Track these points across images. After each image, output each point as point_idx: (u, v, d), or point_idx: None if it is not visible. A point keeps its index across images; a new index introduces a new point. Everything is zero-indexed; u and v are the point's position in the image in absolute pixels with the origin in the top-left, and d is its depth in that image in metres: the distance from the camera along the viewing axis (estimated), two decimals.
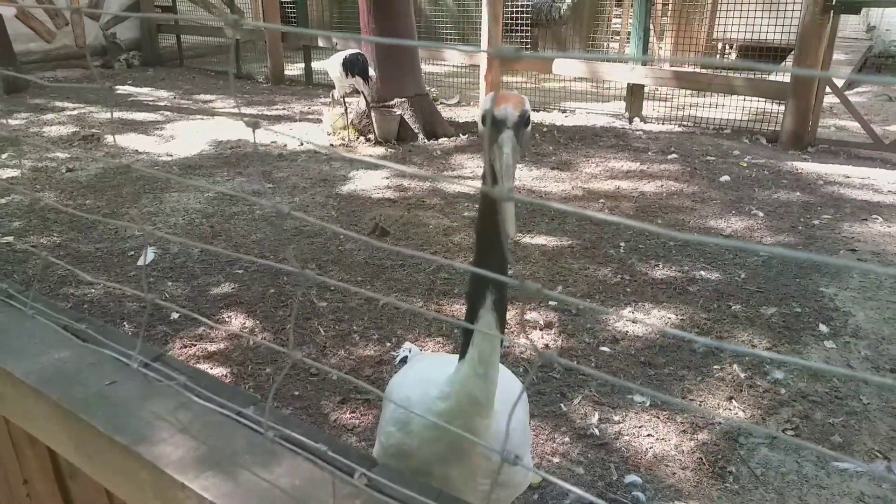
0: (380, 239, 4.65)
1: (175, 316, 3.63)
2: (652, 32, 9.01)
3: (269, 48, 10.29)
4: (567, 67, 8.16)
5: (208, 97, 9.54)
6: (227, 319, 3.63)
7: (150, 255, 4.37)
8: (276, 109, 8.70)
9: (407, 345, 3.36)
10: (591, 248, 4.48)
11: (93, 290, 3.90)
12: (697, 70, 7.60)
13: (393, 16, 7.02)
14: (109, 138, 7.14)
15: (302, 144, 6.99)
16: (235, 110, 8.78)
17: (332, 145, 7.01)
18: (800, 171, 6.11)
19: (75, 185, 5.72)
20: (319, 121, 7.77)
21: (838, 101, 7.00)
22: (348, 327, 3.56)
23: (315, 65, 10.36)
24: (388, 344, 3.40)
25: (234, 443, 0.84)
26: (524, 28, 9.23)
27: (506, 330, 1.41)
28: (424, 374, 1.52)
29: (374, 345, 3.41)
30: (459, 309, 3.72)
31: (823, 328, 3.53)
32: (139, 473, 0.85)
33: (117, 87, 10.14)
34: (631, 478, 2.56)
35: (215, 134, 7.36)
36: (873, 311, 3.70)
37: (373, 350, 3.35)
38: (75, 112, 8.42)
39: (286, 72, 10.66)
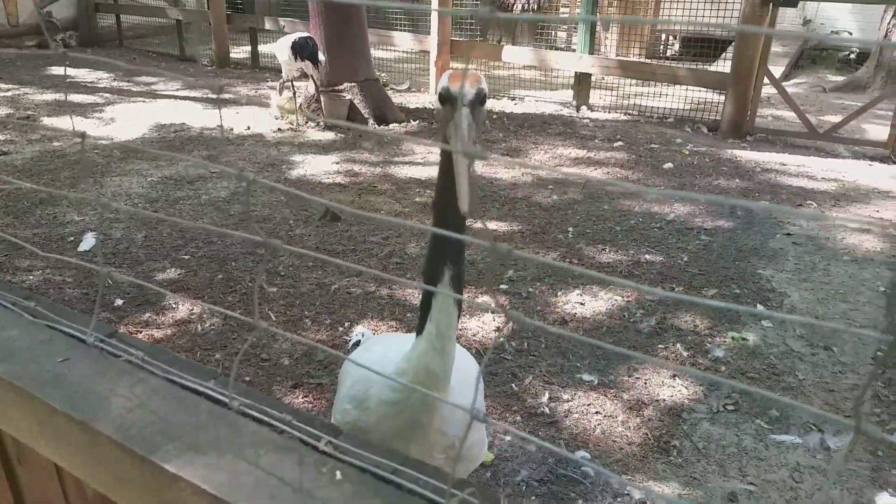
0: (331, 224, 4.62)
1: (119, 302, 3.54)
2: (598, 22, 9.14)
3: (214, 30, 10.03)
4: (516, 55, 8.21)
5: (150, 79, 9.25)
6: (173, 306, 3.56)
7: (90, 240, 4.24)
8: (222, 94, 8.49)
9: (359, 329, 3.35)
10: (541, 233, 4.55)
11: (31, 277, 3.76)
12: (643, 60, 7.76)
13: None
14: (46, 120, 6.87)
15: (249, 129, 6.86)
16: (179, 93, 8.55)
17: (280, 129, 6.90)
18: (738, 158, 6.31)
19: (10, 169, 5.49)
20: (267, 105, 7.63)
21: (776, 91, 7.26)
22: (300, 312, 3.54)
23: (263, 48, 10.16)
24: (341, 329, 3.39)
25: (197, 416, 0.84)
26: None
27: (463, 305, 1.43)
28: (382, 352, 1.53)
29: (326, 329, 3.39)
30: (412, 293, 3.73)
31: (761, 308, 3.68)
32: (99, 450, 0.83)
33: (49, 67, 9.75)
34: (580, 453, 2.63)
35: (158, 117, 7.16)
36: (807, 292, 3.87)
37: (325, 335, 3.34)
38: (9, 93, 8.06)
39: (231, 54, 10.42)
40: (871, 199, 5.40)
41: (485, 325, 3.46)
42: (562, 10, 12.74)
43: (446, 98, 1.28)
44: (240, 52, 10.89)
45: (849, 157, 6.51)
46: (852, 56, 10.44)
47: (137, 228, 4.42)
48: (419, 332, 1.43)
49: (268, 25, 9.82)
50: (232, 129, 6.82)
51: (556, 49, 10.31)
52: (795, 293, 3.86)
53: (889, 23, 9.07)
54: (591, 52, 7.82)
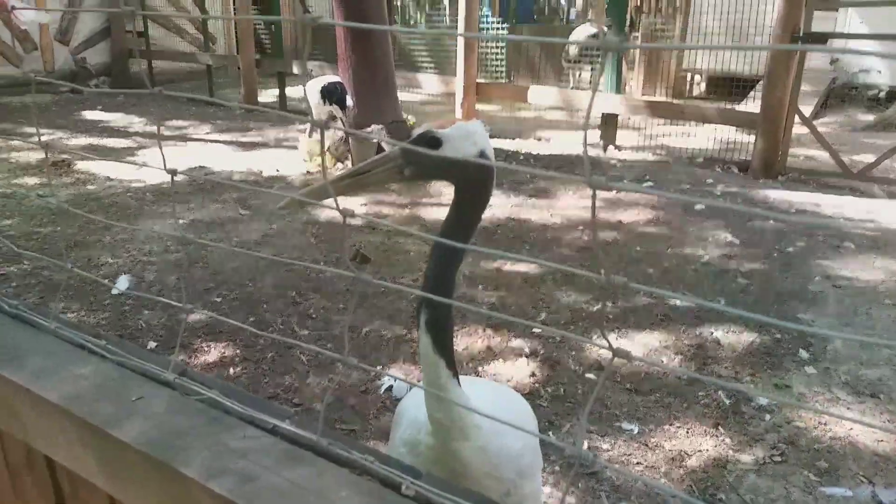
0: (360, 266, 4.62)
1: (153, 345, 3.53)
2: (623, 63, 9.20)
3: (244, 74, 10.25)
4: (542, 96, 8.26)
5: (181, 122, 9.45)
6: (206, 349, 3.55)
7: (125, 282, 4.27)
8: (251, 136, 8.65)
9: (392, 374, 3.32)
10: (573, 275, 4.49)
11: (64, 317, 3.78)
12: (670, 100, 7.76)
13: (371, 44, 7.05)
14: (80, 164, 7.01)
15: (278, 171, 6.94)
16: (208, 137, 8.71)
17: (308, 172, 6.97)
18: (772, 199, 6.23)
19: (45, 212, 5.59)
20: (295, 147, 7.74)
21: (806, 131, 7.20)
22: (330, 356, 3.49)
23: (290, 91, 10.36)
24: (372, 373, 3.35)
25: (275, 456, 0.82)
26: (498, 57, 9.34)
27: (452, 352, 1.37)
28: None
29: (357, 374, 3.35)
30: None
31: (804, 354, 3.57)
32: (181, 492, 0.81)
33: (83, 111, 10.01)
34: (604, 501, 2.53)
35: (188, 160, 7.27)
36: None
37: (356, 378, 3.30)
38: (44, 137, 8.27)
39: (260, 98, 10.63)
40: None
41: (519, 370, 3.39)
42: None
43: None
44: (268, 95, 11.11)
45: (884, 197, 6.40)
46: (882, 94, 10.36)
47: (170, 271, 4.45)
48: None
49: (295, 70, 10.02)
50: (261, 172, 6.91)
51: (581, 89, 10.38)
52: (838, 339, 3.74)
53: None
54: (618, 92, 7.85)
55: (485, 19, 9.68)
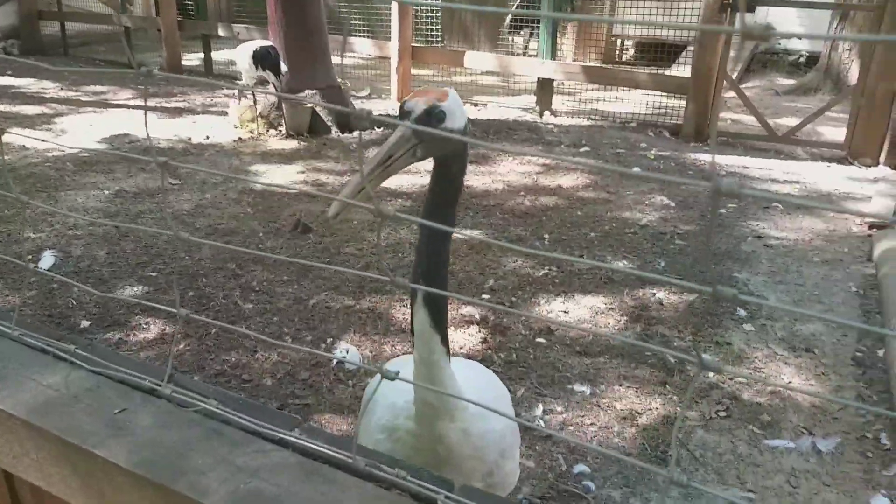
0: (302, 236, 4.50)
1: (86, 323, 3.35)
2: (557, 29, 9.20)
3: (165, 37, 9.73)
4: (479, 61, 8.19)
5: (99, 88, 8.92)
6: (144, 326, 3.39)
7: (49, 258, 4.02)
8: (176, 102, 8.25)
9: (343, 345, 3.26)
10: (517, 241, 4.51)
11: None
12: (602, 65, 7.83)
13: (303, 6, 6.80)
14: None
15: (208, 138, 6.66)
16: (130, 102, 8.26)
17: (240, 139, 6.71)
18: (702, 162, 6.40)
19: None
20: (224, 113, 7.43)
21: (732, 95, 7.40)
22: (278, 329, 3.41)
23: (216, 55, 9.91)
24: (323, 345, 3.28)
25: (288, 473, 0.74)
26: (434, 21, 9.18)
27: (446, 328, 1.35)
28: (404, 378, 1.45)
29: (308, 346, 3.28)
30: (392, 305, 3.64)
31: (741, 312, 3.70)
32: None
33: None
34: (579, 467, 2.58)
35: (110, 128, 6.88)
36: (784, 294, 3.92)
37: (306, 352, 3.22)
38: None
39: (184, 62, 10.14)
40: (832, 200, 5.53)
41: (471, 336, 3.39)
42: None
43: (401, 113, 1.28)
44: (192, 59, 10.61)
45: (807, 158, 6.67)
46: (801, 60, 10.75)
47: (99, 245, 4.22)
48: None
49: (221, 32, 9.59)
50: (190, 139, 6.61)
51: (514, 55, 10.35)
52: (772, 296, 3.90)
53: (835, 27, 9.37)
54: (553, 58, 7.86)
55: None
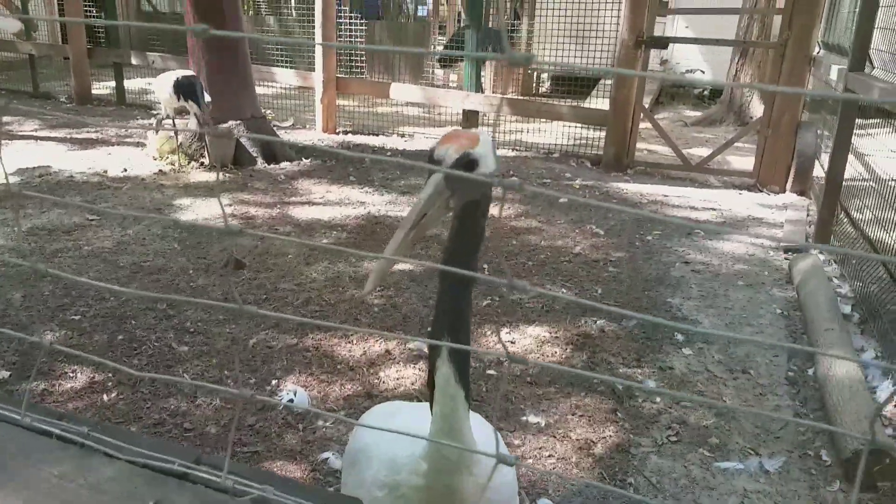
0: (235, 272, 4.33)
1: (5, 374, 3.08)
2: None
3: (74, 65, 9.28)
4: (405, 93, 8.23)
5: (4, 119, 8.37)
6: (70, 375, 3.15)
7: None
8: (88, 133, 7.85)
9: (290, 387, 3.14)
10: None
11: None
12: (528, 98, 8.03)
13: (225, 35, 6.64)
14: None
15: (125, 171, 6.36)
16: (38, 133, 7.80)
17: (160, 171, 6.45)
18: (625, 191, 6.63)
19: None
20: (142, 144, 7.13)
21: (648, 126, 7.74)
22: (218, 373, 3.24)
23: (129, 83, 9.53)
24: (268, 388, 3.14)
25: None
26: (358, 52, 9.17)
27: (469, 383, 1.33)
28: (411, 429, 1.39)
29: (252, 389, 3.13)
30: (337, 342, 3.54)
31: (679, 336, 3.82)
32: None
33: None
34: (543, 501, 2.56)
35: (18, 160, 6.47)
36: (716, 318, 4.08)
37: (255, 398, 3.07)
38: None
39: (94, 91, 9.69)
40: (748, 225, 5.84)
41: (421, 371, 3.34)
42: (438, 46, 13.00)
43: (430, 161, 1.23)
44: (102, 87, 10.16)
45: (720, 186, 7.03)
46: (706, 93, 11.40)
47: (13, 286, 3.92)
48: (432, 409, 1.32)
49: (135, 61, 9.24)
50: (106, 172, 6.30)
51: (434, 86, 10.48)
52: (705, 320, 4.05)
53: (737, 62, 10.00)
54: (478, 90, 8.00)
55: (341, 14, 9.46)
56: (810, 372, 3.46)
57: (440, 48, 12.55)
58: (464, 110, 7.98)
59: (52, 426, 0.72)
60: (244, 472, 0.70)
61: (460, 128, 8.10)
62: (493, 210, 4.38)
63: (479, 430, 1.34)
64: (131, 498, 0.66)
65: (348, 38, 9.14)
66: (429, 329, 1.36)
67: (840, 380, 3.11)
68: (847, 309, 4.11)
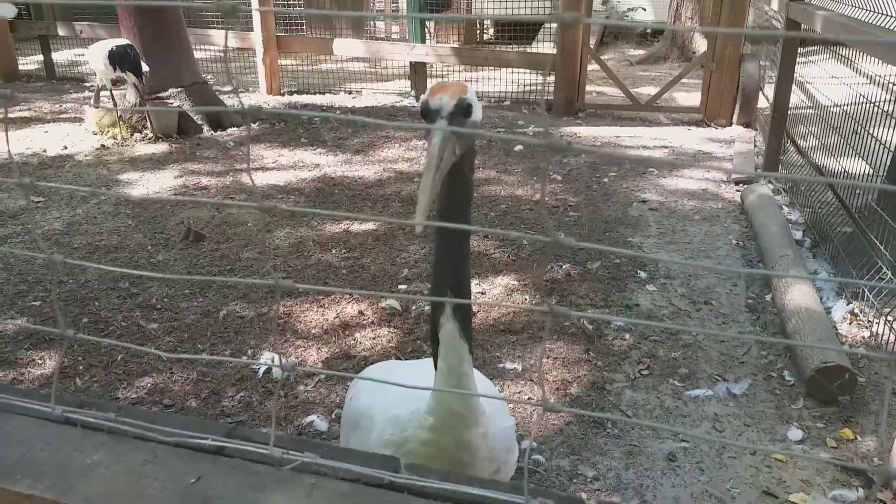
0: (195, 244, 4.25)
1: None
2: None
3: None
4: (348, 48, 8.06)
5: None
6: (38, 362, 3.08)
7: None
8: (20, 111, 7.48)
9: (267, 354, 3.14)
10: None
11: None
12: (475, 46, 7.94)
13: None
14: None
15: (66, 148, 6.12)
16: None
17: (102, 146, 6.21)
18: (578, 135, 6.68)
19: None
20: (80, 119, 6.85)
21: (596, 67, 7.77)
22: (192, 347, 3.22)
23: (57, 56, 9.08)
24: (245, 357, 3.14)
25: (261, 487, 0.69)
26: (297, 4, 8.89)
27: (472, 337, 1.36)
28: (406, 389, 1.41)
29: (227, 360, 3.12)
30: (308, 307, 3.54)
31: (642, 274, 3.92)
32: None
33: None
34: (526, 443, 2.64)
35: None
36: (675, 254, 4.19)
37: (229, 367, 3.07)
38: None
39: (21, 66, 9.21)
40: (698, 160, 5.97)
41: (397, 329, 3.36)
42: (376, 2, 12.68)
43: (426, 112, 1.23)
44: (30, 62, 9.66)
45: (669, 123, 7.14)
46: (648, 31, 11.45)
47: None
48: (435, 365, 1.35)
49: (62, 32, 8.79)
50: (45, 151, 6.04)
51: (377, 39, 10.27)
52: (666, 255, 4.16)
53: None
54: (423, 41, 7.87)
55: None
56: (768, 298, 3.61)
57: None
58: (411, 63, 7.86)
59: (76, 414, 0.71)
60: (285, 441, 0.70)
61: (409, 81, 7.99)
62: (484, 173, 4.32)
63: (479, 383, 1.38)
64: (171, 478, 0.66)
65: None
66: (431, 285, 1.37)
67: (797, 303, 3.26)
68: (798, 235, 4.27)
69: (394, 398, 1.38)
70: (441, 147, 1.13)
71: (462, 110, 1.21)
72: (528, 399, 2.91)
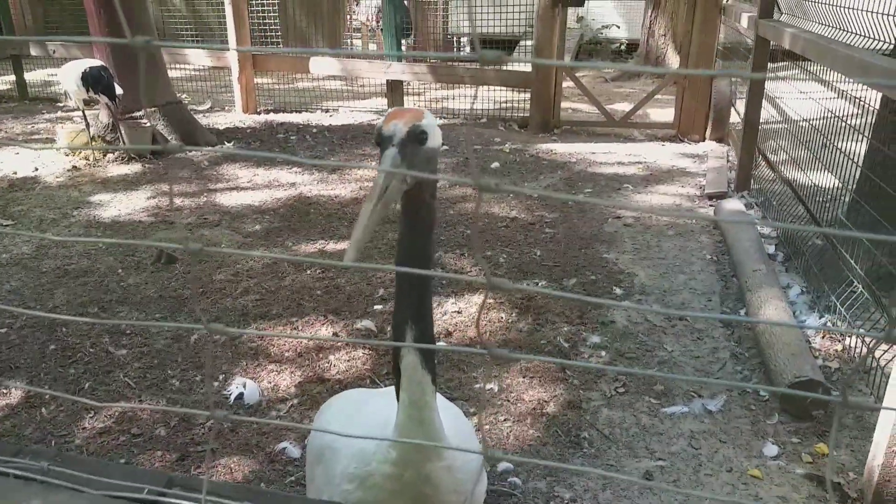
0: (167, 267, 4.19)
1: None
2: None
3: None
4: (324, 66, 8.05)
5: None
6: (3, 391, 3.00)
7: None
8: None
9: (239, 380, 3.09)
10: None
11: None
12: (453, 64, 7.98)
13: (130, 16, 6.31)
14: None
15: (37, 170, 6.03)
16: None
17: (74, 167, 6.13)
18: (554, 152, 6.71)
19: None
20: (52, 140, 6.75)
21: (571, 84, 7.83)
22: (161, 374, 3.15)
23: (30, 76, 8.98)
24: (216, 384, 3.08)
25: None
26: (273, 26, 8.88)
27: (436, 369, 1.34)
28: (378, 419, 1.39)
29: (198, 387, 3.06)
30: (281, 329, 3.49)
31: (617, 290, 3.93)
32: None
33: None
34: (503, 466, 2.62)
35: None
36: (650, 269, 4.21)
37: (199, 394, 3.01)
38: None
39: None
40: (673, 176, 6.01)
41: (372, 350, 3.33)
42: (354, 18, 12.72)
43: (379, 140, 1.23)
44: (1, 82, 9.53)
45: (644, 139, 7.20)
46: (622, 48, 11.59)
47: None
48: (398, 396, 1.32)
49: (34, 51, 8.69)
50: (16, 173, 5.95)
51: (352, 58, 10.26)
52: (641, 272, 4.17)
53: (650, 15, 10.18)
54: (399, 60, 7.89)
55: None
56: (742, 313, 3.62)
57: (356, 16, 12.28)
58: (388, 81, 7.87)
59: (6, 466, 0.68)
60: (223, 489, 0.67)
61: (386, 99, 8.00)
62: (460, 191, 4.32)
63: (443, 410, 1.35)
64: None
65: (260, 10, 8.81)
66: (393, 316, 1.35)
67: (771, 318, 3.27)
68: (771, 249, 4.31)
69: (358, 430, 1.35)
70: (387, 177, 1.12)
71: (415, 137, 1.20)
72: (505, 420, 2.88)
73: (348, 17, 11.28)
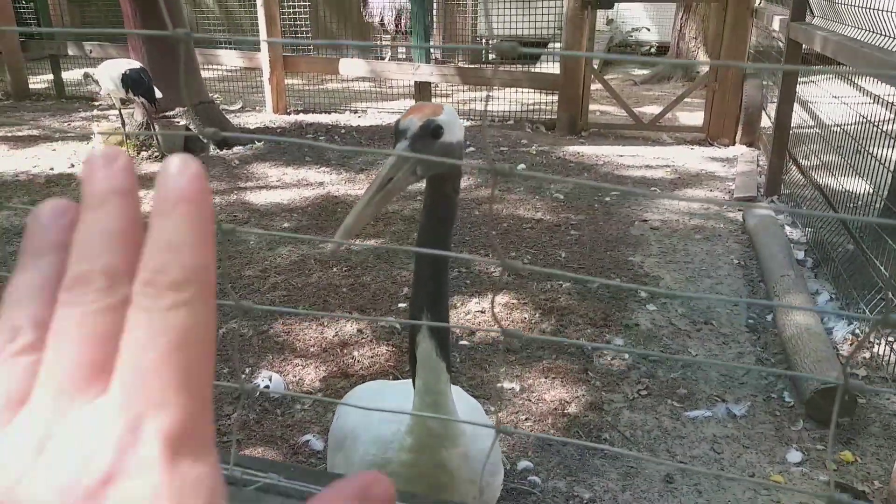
0: None
1: None
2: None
3: (6, 59, 8.91)
4: (353, 68, 8.13)
5: None
6: None
7: None
8: (28, 129, 7.57)
9: (264, 373, 3.14)
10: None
11: None
12: (480, 66, 8.00)
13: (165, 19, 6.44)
14: None
15: (73, 167, 6.18)
16: None
17: None
18: (581, 154, 6.70)
19: None
20: (87, 138, 6.92)
21: (599, 87, 7.80)
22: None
23: (67, 75, 9.20)
24: (243, 376, 3.14)
25: None
26: (303, 27, 9.00)
27: (450, 355, 1.37)
28: (395, 406, 1.42)
29: (225, 379, 3.12)
30: (308, 325, 3.55)
31: (642, 293, 3.91)
32: None
33: None
34: (523, 464, 2.63)
35: None
36: (676, 273, 4.18)
37: (224, 386, 3.07)
38: None
39: (31, 85, 9.33)
40: (701, 180, 5.97)
41: (395, 347, 3.37)
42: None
43: (395, 133, 1.25)
44: (40, 80, 9.79)
45: (672, 143, 7.15)
46: (652, 51, 11.51)
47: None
48: (413, 383, 1.35)
49: (71, 51, 8.91)
50: (53, 169, 6.11)
51: (380, 59, 10.35)
52: (667, 275, 4.15)
53: (681, 18, 10.10)
54: (428, 61, 7.94)
55: None
56: (769, 318, 3.59)
57: (367, 18, 12.35)
58: (416, 82, 7.92)
59: None
60: (247, 461, 0.71)
61: (414, 101, 8.05)
62: (486, 192, 4.34)
63: (461, 402, 1.38)
64: None
65: (291, 12, 8.94)
66: (410, 303, 1.38)
67: (798, 324, 3.24)
68: (800, 255, 4.26)
69: (377, 417, 1.39)
70: (392, 167, 1.15)
71: (429, 132, 1.21)
72: (526, 420, 2.89)
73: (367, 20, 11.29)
